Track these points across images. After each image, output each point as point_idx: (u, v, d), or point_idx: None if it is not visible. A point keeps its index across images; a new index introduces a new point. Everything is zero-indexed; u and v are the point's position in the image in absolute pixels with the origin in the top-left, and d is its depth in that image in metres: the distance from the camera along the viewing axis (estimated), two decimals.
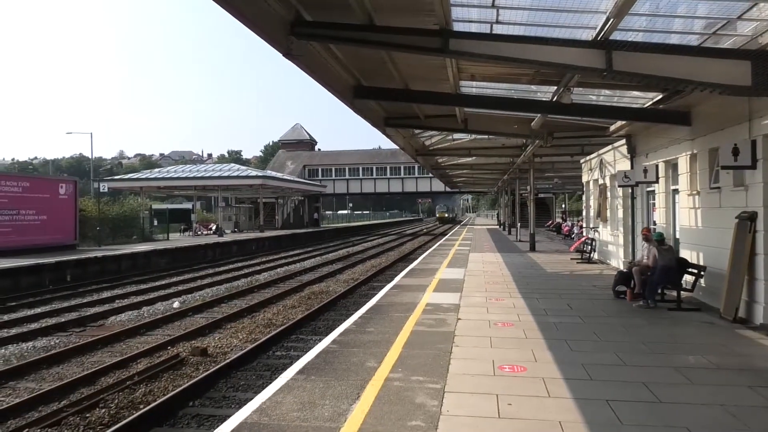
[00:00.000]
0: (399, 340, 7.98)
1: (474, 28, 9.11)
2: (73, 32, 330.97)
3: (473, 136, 22.36)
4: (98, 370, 9.28)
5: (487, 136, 22.18)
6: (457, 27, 8.82)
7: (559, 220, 48.43)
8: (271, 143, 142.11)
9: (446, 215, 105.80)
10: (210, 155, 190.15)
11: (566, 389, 5.81)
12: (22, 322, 13.75)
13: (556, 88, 12.05)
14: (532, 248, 25.08)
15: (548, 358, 7.05)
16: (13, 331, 12.71)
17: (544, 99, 13.72)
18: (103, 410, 7.48)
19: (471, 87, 13.58)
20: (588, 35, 8.31)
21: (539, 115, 14.85)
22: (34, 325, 13.26)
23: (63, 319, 13.85)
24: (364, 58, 11.65)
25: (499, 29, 8.78)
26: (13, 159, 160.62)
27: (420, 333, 8.44)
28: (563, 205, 64.57)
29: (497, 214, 73.58)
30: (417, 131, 21.61)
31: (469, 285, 13.64)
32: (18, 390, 8.68)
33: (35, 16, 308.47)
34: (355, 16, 8.58)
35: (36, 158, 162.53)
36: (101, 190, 41.77)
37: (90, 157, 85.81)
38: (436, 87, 13.27)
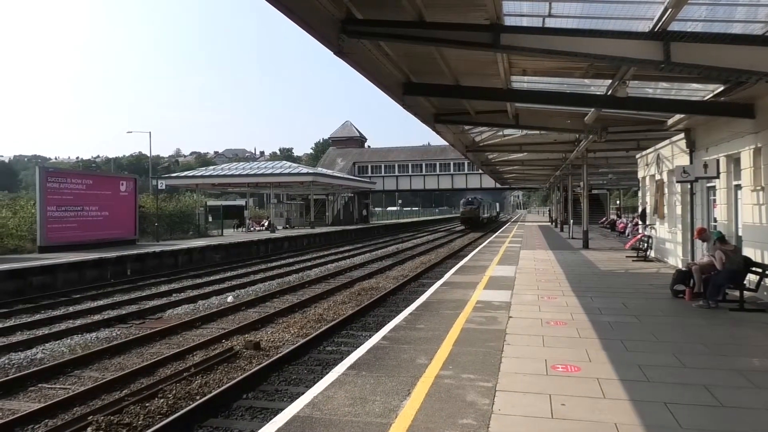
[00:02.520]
0: (449, 337, 7.95)
1: (525, 22, 8.97)
2: (133, 35, 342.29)
3: (524, 132, 22.04)
4: (157, 362, 9.62)
5: (538, 132, 21.81)
6: (509, 21, 8.71)
7: (613, 216, 47.25)
8: (321, 141, 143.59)
9: (478, 213, 62.67)
10: (262, 153, 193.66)
11: (622, 390, 5.67)
12: (86, 313, 14.36)
13: (610, 81, 11.76)
14: (586, 246, 24.54)
15: (603, 358, 6.89)
16: (78, 322, 13.29)
17: (598, 93, 13.41)
18: (162, 400, 7.74)
19: (522, 82, 13.37)
20: (644, 26, 8.07)
21: (593, 109, 14.49)
22: (97, 317, 13.83)
23: (124, 312, 14.40)
24: (413, 55, 11.64)
25: (551, 23, 8.62)
26: (77, 158, 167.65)
27: (470, 330, 8.39)
28: (618, 202, 62.93)
29: (548, 211, 72.36)
30: (467, 127, 21.42)
31: (520, 282, 13.46)
32: (83, 378, 9.08)
33: (95, 20, 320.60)
34: (405, 12, 8.59)
35: (99, 157, 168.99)
36: (159, 187, 43.01)
37: (149, 155, 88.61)
38: (486, 82, 13.14)
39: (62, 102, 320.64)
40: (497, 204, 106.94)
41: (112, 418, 7.01)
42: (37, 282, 18.33)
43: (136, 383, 8.63)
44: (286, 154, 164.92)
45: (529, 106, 16.31)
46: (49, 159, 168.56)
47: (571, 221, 34.58)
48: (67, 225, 24.07)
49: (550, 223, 55.65)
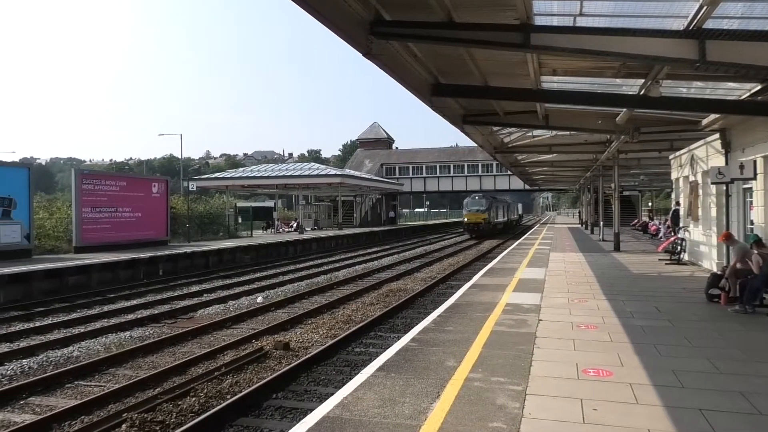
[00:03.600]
0: (478, 340, 7.91)
1: (556, 21, 8.89)
2: (162, 37, 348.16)
3: (554, 133, 21.80)
4: (188, 361, 9.75)
5: (568, 132, 21.57)
6: (539, 21, 8.63)
7: (645, 219, 46.41)
8: (349, 142, 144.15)
9: (488, 217, 47.38)
10: (291, 155, 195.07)
11: (656, 396, 5.57)
12: (120, 312, 14.65)
13: (643, 81, 11.57)
14: (617, 248, 24.16)
15: (636, 363, 6.78)
16: (113, 321, 13.56)
17: (630, 93, 13.20)
18: (194, 399, 7.85)
19: (552, 82, 13.23)
20: (679, 24, 7.92)
21: (625, 109, 14.29)
22: (130, 316, 14.09)
23: (156, 311, 14.65)
24: (442, 56, 11.61)
25: (582, 22, 8.52)
26: (111, 160, 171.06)
27: (500, 333, 8.33)
28: (650, 204, 61.80)
29: (578, 213, 71.36)
30: (496, 128, 21.29)
31: (550, 285, 13.32)
32: (117, 376, 9.26)
33: (127, 24, 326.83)
34: (434, 13, 8.57)
35: (131, 159, 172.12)
36: (190, 189, 43.68)
37: (179, 157, 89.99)
38: (516, 83, 13.04)
39: (96, 105, 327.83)
40: (518, 205, 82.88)
41: (145, 415, 7.13)
42: (73, 281, 18.76)
43: (169, 382, 8.76)
44: (314, 156, 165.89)
45: (559, 107, 16.13)
46: (84, 161, 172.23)
47: (602, 223, 34.08)
48: (102, 226, 24.58)
49: (579, 225, 54.94)
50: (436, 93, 13.18)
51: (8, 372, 9.49)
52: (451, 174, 69.72)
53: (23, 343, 11.42)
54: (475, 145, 25.89)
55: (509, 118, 17.56)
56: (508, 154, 27.95)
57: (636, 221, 49.67)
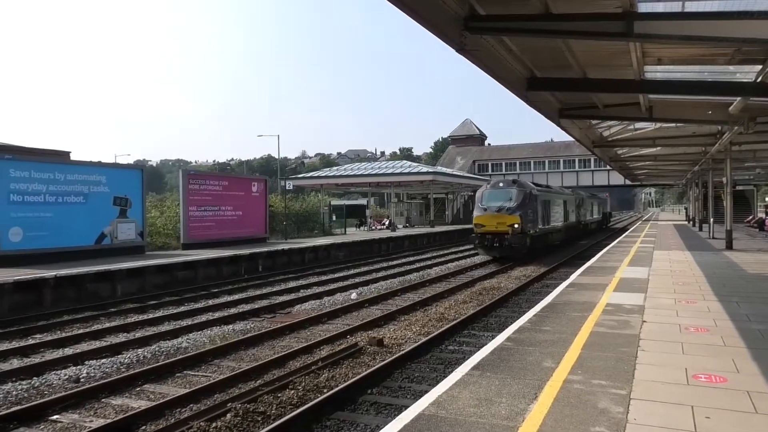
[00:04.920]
0: (577, 340, 7.63)
1: (661, 7, 8.45)
2: (255, 43, 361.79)
3: (658, 125, 20.64)
4: (287, 354, 10.09)
5: (674, 125, 20.36)
6: (642, 8, 8.22)
7: (761, 215, 43.04)
8: (440, 139, 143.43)
9: (520, 221, 25.42)
10: (383, 153, 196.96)
11: None
12: (223, 306, 15.40)
13: (761, 67, 10.71)
14: (729, 246, 22.54)
15: (753, 369, 6.29)
16: (217, 314, 14.27)
17: (745, 80, 12.28)
18: (292, 391, 8.11)
19: (656, 72, 12.57)
20: None
21: (739, 98, 13.27)
22: (233, 310, 14.78)
23: (256, 306, 15.27)
24: (538, 49, 11.32)
25: (691, 6, 8.04)
26: (214, 161, 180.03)
27: (600, 334, 8.00)
28: (767, 199, 57.21)
29: (684, 209, 67.22)
30: (594, 122, 20.50)
31: (654, 285, 12.64)
32: (221, 367, 9.74)
33: (228, 30, 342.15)
34: (530, 5, 8.37)
35: (233, 159, 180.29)
36: (287, 188, 45.18)
37: (277, 157, 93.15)
38: (616, 74, 12.49)
39: (201, 108, 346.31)
40: (601, 200, 56.23)
41: (248, 406, 7.45)
42: (181, 276, 19.94)
43: (269, 374, 9.10)
44: (406, 154, 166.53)
45: (664, 98, 15.28)
46: (190, 162, 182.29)
47: (712, 220, 31.96)
48: (206, 224, 25.94)
49: (686, 222, 51.77)
50: (532, 87, 12.87)
51: (125, 360, 10.22)
52: (546, 170, 67.69)
53: (138, 334, 12.27)
54: (572, 139, 25.02)
55: (609, 111, 16.83)
56: (607, 148, 26.84)
57: (751, 218, 46.24)
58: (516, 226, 24.98)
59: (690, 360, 6.68)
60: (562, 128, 19.75)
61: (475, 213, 26.77)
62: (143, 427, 7.09)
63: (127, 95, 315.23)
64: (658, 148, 26.93)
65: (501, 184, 27.46)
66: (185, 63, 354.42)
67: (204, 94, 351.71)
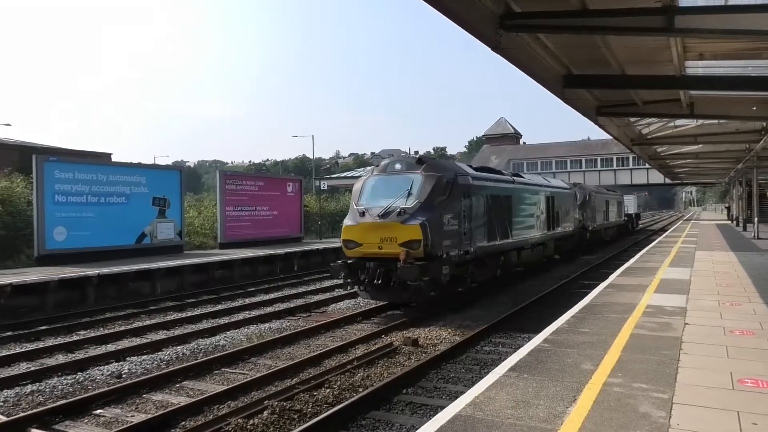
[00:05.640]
0: (617, 343, 7.48)
1: (702, 1, 8.20)
2: (303, 46, 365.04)
3: (700, 122, 20.07)
4: (322, 353, 10.17)
5: (717, 121, 19.79)
6: (683, 2, 8.00)
7: None
8: (475, 138, 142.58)
9: (426, 238, 12.65)
10: (416, 152, 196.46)
11: None
12: (260, 305, 15.60)
13: None
14: None
15: None
16: (254, 313, 14.46)
17: None
18: (328, 390, 8.16)
19: (698, 67, 12.21)
20: None
21: None
22: (269, 309, 14.95)
23: (291, 305, 15.42)
24: (574, 46, 11.12)
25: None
26: (249, 161, 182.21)
27: (640, 336, 7.83)
28: None
29: (727, 208, 65.33)
30: (633, 119, 20.03)
31: (696, 286, 12.31)
32: (258, 365, 9.85)
33: (265, 31, 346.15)
34: (566, 2, 8.24)
35: (268, 160, 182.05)
36: (321, 188, 45.48)
37: (311, 157, 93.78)
38: (656, 70, 12.19)
39: (237, 110, 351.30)
40: (613, 200, 39.67)
41: (284, 404, 7.52)
42: (218, 275, 20.27)
43: (305, 372, 9.18)
44: (440, 153, 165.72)
45: (706, 94, 14.85)
46: (227, 163, 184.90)
47: (756, 219, 30.99)
48: (243, 223, 26.31)
49: (729, 222, 50.31)
50: (569, 84, 12.66)
51: (165, 357, 10.43)
52: (583, 168, 66.66)
53: (177, 331, 12.52)
54: (609, 137, 24.51)
55: (648, 108, 16.43)
56: (646, 146, 26.22)
57: None
58: (416, 244, 12.72)
59: (735, 364, 6.49)
60: (600, 126, 19.38)
61: (346, 221, 14.10)
62: (182, 423, 7.23)
63: (166, 97, 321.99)
64: (700, 145, 26.19)
65: (398, 166, 14.47)
66: (221, 65, 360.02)
67: (240, 95, 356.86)
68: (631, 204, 51.54)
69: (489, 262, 16.11)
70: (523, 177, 21.23)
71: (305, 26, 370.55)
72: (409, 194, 13.16)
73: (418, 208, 12.83)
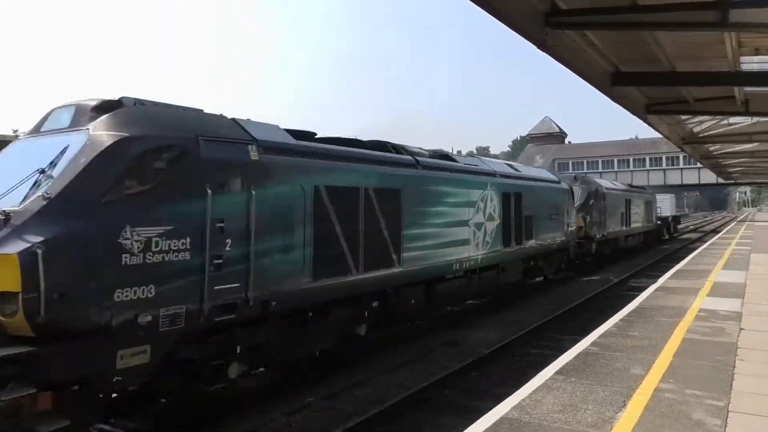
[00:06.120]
0: (668, 347, 7.28)
1: None
2: (346, 44, 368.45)
3: (755, 119, 19.41)
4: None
5: None
6: None
7: None
8: (518, 138, 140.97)
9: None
10: (459, 152, 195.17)
11: None
12: None
13: None
14: None
15: None
16: None
17: None
18: (369, 390, 8.20)
19: (753, 63, 11.81)
20: None
21: None
22: None
23: None
24: (623, 43, 10.91)
25: None
26: None
27: (693, 341, 7.59)
28: None
29: None
30: (684, 117, 19.50)
31: (752, 290, 11.86)
32: (302, 362, 9.89)
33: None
34: None
35: None
36: None
37: None
38: (708, 66, 11.86)
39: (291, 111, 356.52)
40: (636, 199, 30.26)
41: (326, 402, 7.59)
42: None
43: (347, 372, 9.20)
44: (483, 153, 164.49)
45: (762, 90, 14.32)
46: None
47: None
48: None
49: None
50: (617, 82, 12.42)
51: None
52: (631, 168, 65.06)
53: None
54: (658, 136, 23.99)
55: (700, 106, 15.98)
56: (698, 144, 25.54)
57: None
58: (10, 302, 5.06)
59: None
60: (649, 124, 18.96)
61: None
62: None
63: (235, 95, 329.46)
64: (755, 144, 25.32)
65: (63, 116, 6.39)
66: (267, 68, 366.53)
67: (288, 96, 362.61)
68: (666, 205, 41.76)
69: (314, 323, 8.09)
70: (455, 158, 13.31)
71: (350, 24, 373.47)
72: (44, 179, 5.73)
73: (38, 212, 5.38)
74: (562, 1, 8.55)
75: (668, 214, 41.97)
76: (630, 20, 8.39)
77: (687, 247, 32.56)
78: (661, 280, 13.80)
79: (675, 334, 8.03)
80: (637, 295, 11.92)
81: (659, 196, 38.70)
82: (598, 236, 22.46)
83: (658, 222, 37.68)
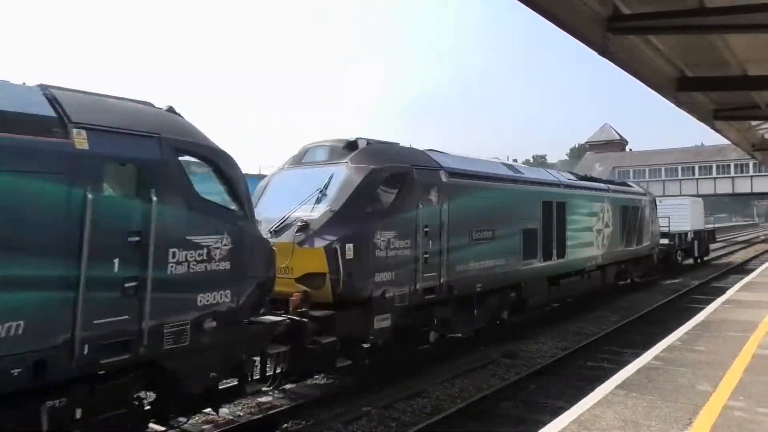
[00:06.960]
0: (737, 363, 6.95)
1: None
2: (405, 50, 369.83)
3: None
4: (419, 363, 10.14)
5: None
6: None
7: None
8: (576, 146, 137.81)
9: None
10: (515, 160, 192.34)
11: None
12: None
13: None
14: None
15: None
16: None
17: None
18: (426, 400, 8.16)
19: None
20: None
21: None
22: None
23: None
24: (689, 46, 10.49)
25: None
26: None
27: (764, 357, 7.23)
28: None
29: None
30: (755, 123, 18.62)
31: None
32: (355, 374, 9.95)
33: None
34: (682, 1, 7.81)
35: None
36: None
37: None
38: None
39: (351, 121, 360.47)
40: (622, 211, 17.49)
41: (383, 411, 7.61)
42: None
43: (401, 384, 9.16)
44: (540, 161, 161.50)
45: None
46: None
47: None
48: None
49: None
50: (683, 87, 11.96)
51: None
52: (696, 176, 62.54)
53: None
54: (725, 142, 22.98)
55: None
56: None
57: None
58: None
59: None
60: (717, 131, 18.17)
61: None
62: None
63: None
64: None
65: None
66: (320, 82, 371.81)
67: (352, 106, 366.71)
68: (683, 214, 26.06)
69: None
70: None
71: (407, 31, 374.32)
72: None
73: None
74: (625, 6, 8.32)
75: (687, 228, 26.14)
76: (698, 23, 8.07)
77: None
78: (728, 293, 13.22)
79: (745, 349, 7.68)
80: (702, 308, 11.46)
81: (670, 201, 27.90)
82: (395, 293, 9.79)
83: (663, 243, 23.30)
